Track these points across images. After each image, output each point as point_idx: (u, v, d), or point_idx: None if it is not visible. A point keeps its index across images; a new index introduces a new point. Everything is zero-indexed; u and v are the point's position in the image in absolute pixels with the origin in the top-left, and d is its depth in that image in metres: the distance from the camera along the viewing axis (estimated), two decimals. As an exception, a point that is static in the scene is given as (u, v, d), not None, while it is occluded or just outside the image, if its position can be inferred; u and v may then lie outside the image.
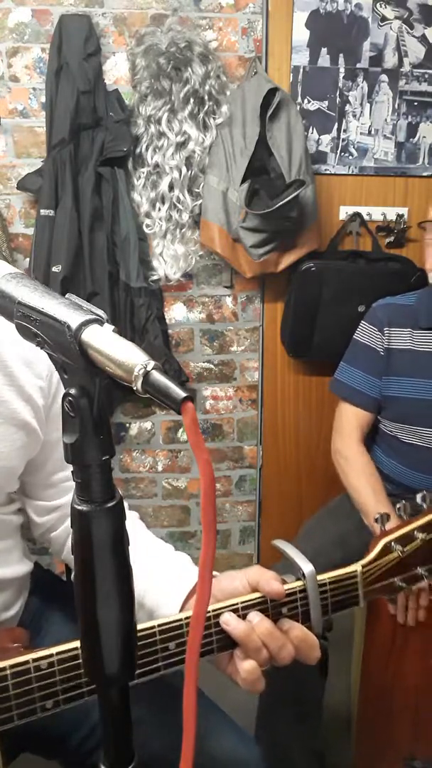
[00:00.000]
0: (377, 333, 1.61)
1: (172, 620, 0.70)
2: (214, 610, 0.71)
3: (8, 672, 0.64)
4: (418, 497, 0.89)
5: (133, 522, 0.95)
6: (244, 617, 0.71)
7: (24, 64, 1.90)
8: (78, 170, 1.88)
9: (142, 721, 0.84)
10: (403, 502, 0.89)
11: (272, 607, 0.73)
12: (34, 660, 0.65)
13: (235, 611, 0.71)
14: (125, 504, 0.94)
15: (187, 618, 0.70)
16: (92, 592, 0.48)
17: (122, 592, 0.49)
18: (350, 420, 1.62)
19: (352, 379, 1.63)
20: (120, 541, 0.49)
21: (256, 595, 0.73)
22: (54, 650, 0.66)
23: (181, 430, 2.24)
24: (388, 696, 1.44)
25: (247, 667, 0.69)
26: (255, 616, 0.71)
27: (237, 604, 0.72)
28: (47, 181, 1.86)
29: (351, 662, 1.76)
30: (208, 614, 0.71)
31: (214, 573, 0.78)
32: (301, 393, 2.25)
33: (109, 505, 0.48)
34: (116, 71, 1.94)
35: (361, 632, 1.55)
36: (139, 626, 0.68)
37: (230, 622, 0.70)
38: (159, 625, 0.69)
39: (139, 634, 0.68)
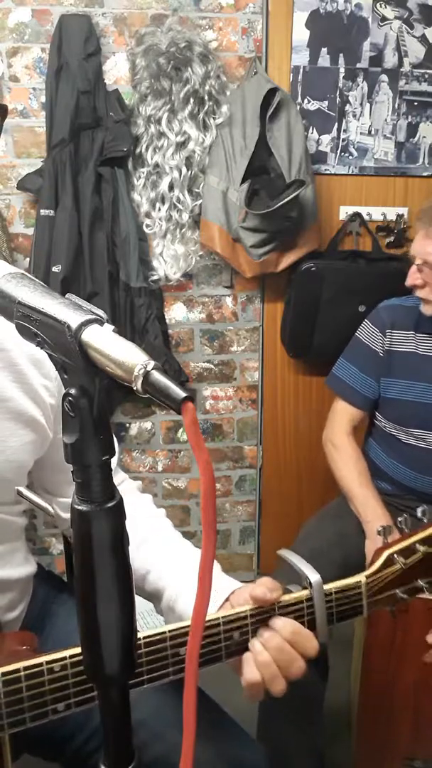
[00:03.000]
0: (378, 334, 1.61)
1: (182, 626, 0.70)
2: (223, 617, 0.72)
3: (22, 673, 0.64)
4: (419, 511, 0.91)
5: (160, 520, 0.95)
6: (253, 624, 0.73)
7: (24, 64, 1.90)
8: (78, 170, 1.88)
9: (144, 722, 0.84)
10: (405, 516, 0.90)
11: (280, 615, 0.74)
12: (48, 662, 0.65)
13: (243, 618, 0.72)
14: (149, 496, 0.95)
15: None
16: (92, 592, 0.48)
17: (122, 592, 0.49)
18: (342, 414, 1.65)
19: (348, 376, 1.64)
20: (120, 541, 0.49)
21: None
22: (67, 653, 0.66)
23: (181, 430, 2.24)
24: (388, 696, 1.44)
25: (250, 678, 0.71)
26: (266, 632, 0.73)
27: (245, 611, 0.73)
28: (47, 181, 1.85)
29: (351, 662, 1.76)
30: (218, 621, 0.71)
31: (238, 583, 0.79)
32: (301, 393, 2.24)
33: (109, 505, 0.48)
34: (116, 71, 1.94)
35: (362, 633, 1.55)
36: (149, 632, 0.68)
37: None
38: (170, 631, 0.69)
39: (149, 640, 0.68)
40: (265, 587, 0.73)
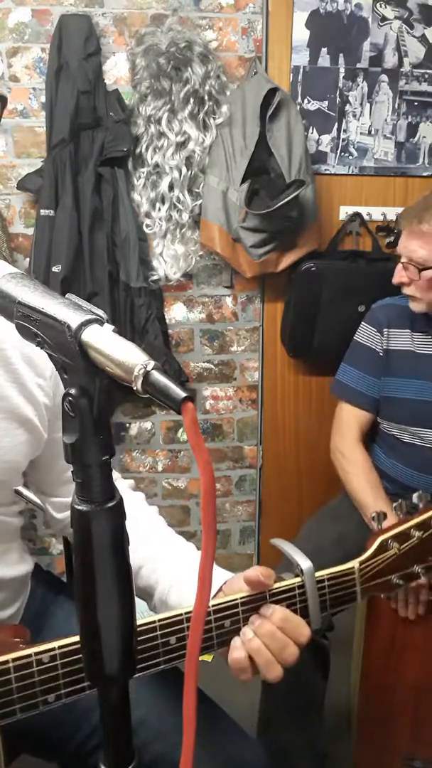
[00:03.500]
0: (377, 334, 1.61)
1: (173, 615, 0.70)
2: (214, 605, 0.72)
3: (11, 665, 0.64)
4: (414, 496, 0.90)
5: (154, 518, 0.95)
6: (244, 612, 0.73)
7: (24, 64, 1.90)
8: (78, 170, 1.88)
9: (144, 721, 0.84)
10: (400, 501, 0.89)
11: (272, 603, 0.74)
12: (36, 654, 0.65)
13: (234, 606, 0.73)
14: (142, 495, 0.95)
15: (187, 613, 0.70)
16: (92, 592, 0.48)
17: (122, 591, 0.49)
18: (349, 419, 1.63)
19: (351, 380, 1.64)
20: (120, 541, 0.49)
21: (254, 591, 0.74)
22: (56, 644, 0.66)
23: (181, 430, 2.24)
24: (388, 696, 1.44)
25: (235, 656, 0.71)
26: (257, 619, 0.72)
27: (236, 599, 0.73)
28: (47, 181, 1.86)
29: (351, 662, 1.76)
30: (209, 609, 0.71)
31: (230, 574, 0.79)
32: (301, 393, 2.25)
33: (109, 505, 0.48)
34: (116, 71, 1.94)
35: (362, 632, 1.55)
36: (140, 621, 0.69)
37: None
38: (159, 620, 0.69)
39: (140, 629, 0.68)
40: (258, 572, 0.73)
